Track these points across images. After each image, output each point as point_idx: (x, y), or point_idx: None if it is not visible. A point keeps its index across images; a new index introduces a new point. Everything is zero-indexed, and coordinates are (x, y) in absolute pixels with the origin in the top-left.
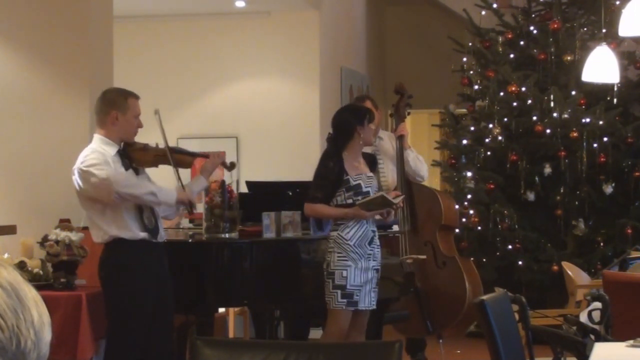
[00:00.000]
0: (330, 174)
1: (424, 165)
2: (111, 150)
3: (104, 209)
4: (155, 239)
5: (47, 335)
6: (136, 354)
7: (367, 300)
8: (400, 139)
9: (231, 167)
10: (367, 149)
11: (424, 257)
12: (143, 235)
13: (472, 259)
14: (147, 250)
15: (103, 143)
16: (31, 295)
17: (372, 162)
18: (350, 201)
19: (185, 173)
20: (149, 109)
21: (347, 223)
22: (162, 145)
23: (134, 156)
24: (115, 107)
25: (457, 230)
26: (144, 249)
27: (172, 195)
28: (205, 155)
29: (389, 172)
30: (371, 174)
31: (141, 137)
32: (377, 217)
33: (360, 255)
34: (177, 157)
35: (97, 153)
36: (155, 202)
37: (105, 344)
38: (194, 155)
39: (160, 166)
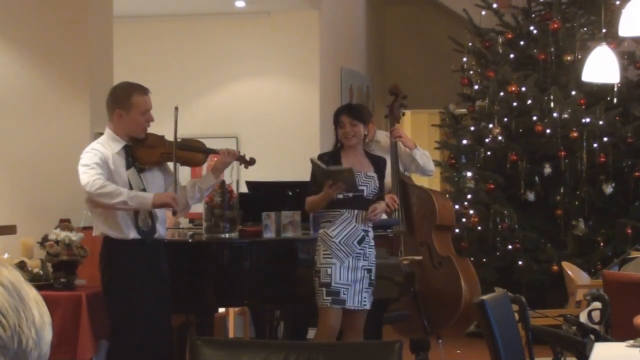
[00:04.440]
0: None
1: (430, 161)
2: (116, 146)
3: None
4: (149, 240)
5: (48, 334)
6: (135, 354)
7: (357, 300)
8: (395, 145)
9: (250, 162)
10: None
11: (419, 258)
12: (133, 236)
13: (471, 258)
14: (138, 249)
15: (110, 138)
16: (32, 295)
17: (378, 164)
18: (341, 196)
19: (184, 170)
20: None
21: (333, 221)
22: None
23: (138, 155)
24: (118, 106)
25: (457, 230)
26: (134, 248)
27: (148, 201)
28: (221, 152)
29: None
30: (372, 174)
31: (157, 130)
32: (383, 216)
33: (346, 253)
34: (187, 155)
35: (94, 152)
36: (128, 209)
37: (109, 344)
38: (207, 152)
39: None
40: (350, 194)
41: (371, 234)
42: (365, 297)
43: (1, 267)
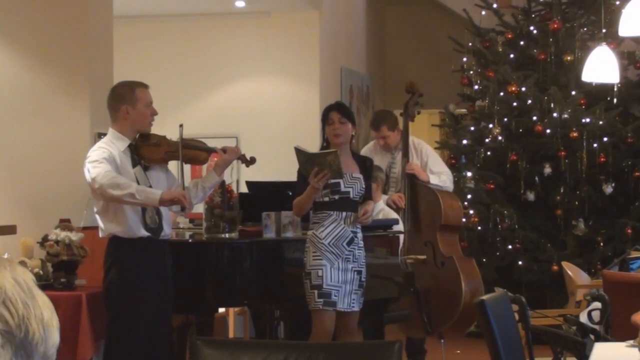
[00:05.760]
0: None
1: (447, 185)
2: (122, 145)
3: (107, 205)
4: (157, 238)
5: (55, 337)
6: (135, 354)
7: (347, 302)
8: (406, 143)
9: (251, 161)
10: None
11: (423, 257)
12: (142, 234)
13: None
14: (146, 249)
15: (115, 138)
16: (43, 299)
17: (364, 164)
18: (326, 199)
19: (186, 168)
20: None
21: (321, 222)
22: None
23: (143, 153)
24: (124, 102)
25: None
26: (141, 247)
27: (155, 196)
28: (223, 150)
29: (397, 164)
30: (358, 175)
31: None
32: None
33: (336, 255)
34: (191, 154)
35: (102, 149)
36: (136, 203)
37: (105, 343)
38: (209, 151)
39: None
40: (336, 196)
41: (360, 235)
42: (354, 299)
43: (19, 266)
